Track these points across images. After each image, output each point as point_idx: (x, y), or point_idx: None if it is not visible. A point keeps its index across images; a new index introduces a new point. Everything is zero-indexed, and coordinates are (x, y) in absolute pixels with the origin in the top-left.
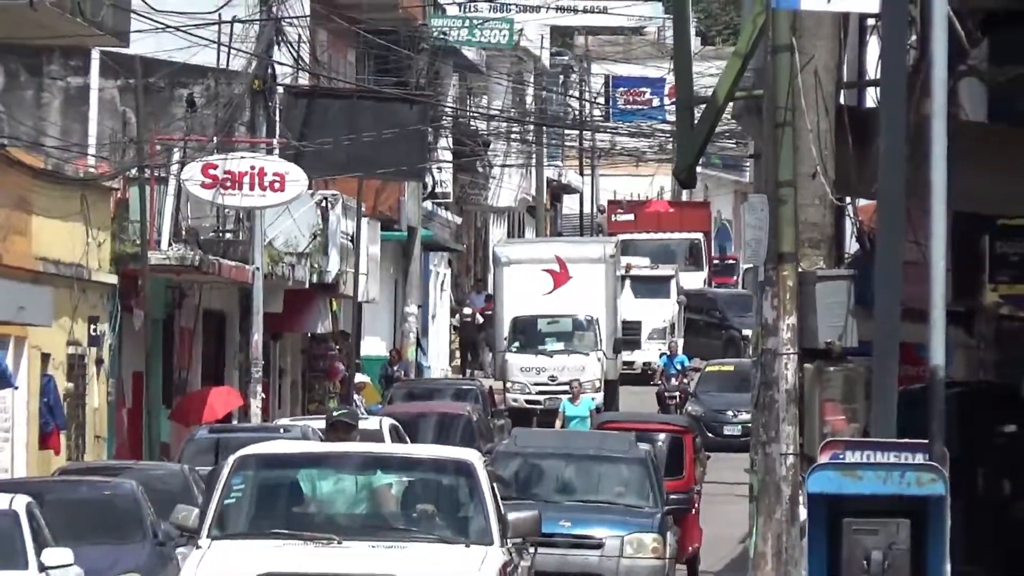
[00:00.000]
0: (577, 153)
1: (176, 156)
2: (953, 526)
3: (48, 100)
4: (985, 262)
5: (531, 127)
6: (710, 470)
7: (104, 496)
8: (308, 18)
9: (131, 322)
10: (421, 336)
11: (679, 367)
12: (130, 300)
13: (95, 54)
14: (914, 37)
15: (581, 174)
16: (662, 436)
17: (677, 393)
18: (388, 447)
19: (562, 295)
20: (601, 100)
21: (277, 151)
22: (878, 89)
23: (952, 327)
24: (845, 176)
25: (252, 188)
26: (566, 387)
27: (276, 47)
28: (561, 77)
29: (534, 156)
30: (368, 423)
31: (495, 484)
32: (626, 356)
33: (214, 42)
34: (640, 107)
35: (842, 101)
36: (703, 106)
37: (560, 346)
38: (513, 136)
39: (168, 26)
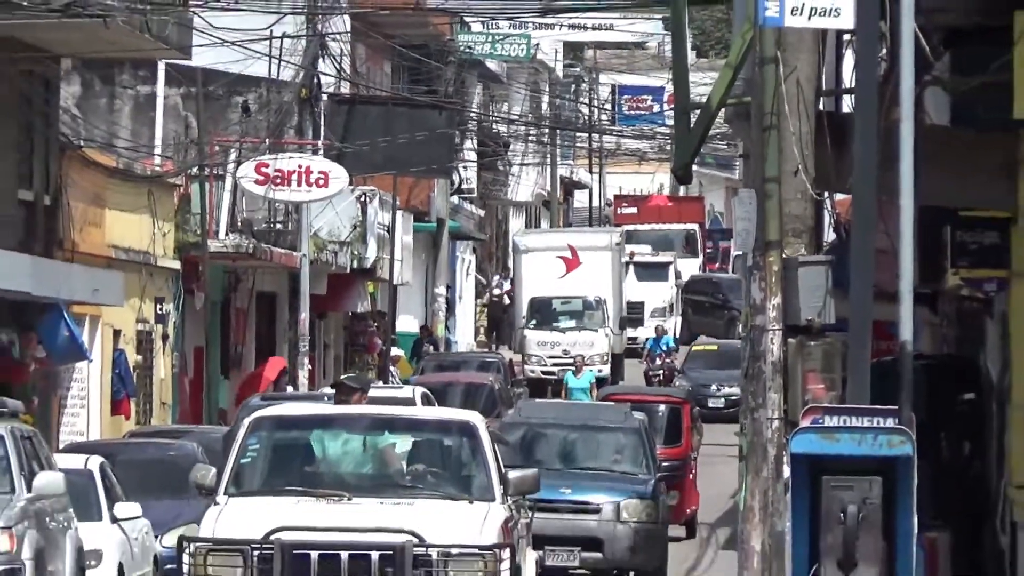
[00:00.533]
0: (587, 153)
1: (232, 156)
2: (920, 483)
3: (119, 107)
4: (947, 249)
5: (546, 130)
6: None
7: (168, 456)
8: (349, 34)
9: (192, 303)
10: (449, 315)
11: (665, 348)
12: (192, 283)
13: (161, 66)
14: (884, 51)
15: (590, 172)
16: (662, 407)
17: (661, 372)
18: (393, 409)
19: (573, 279)
20: (608, 106)
21: (321, 152)
22: (853, 96)
23: (918, 307)
24: (824, 173)
25: (299, 184)
26: (594, 359)
27: (321, 60)
28: (572, 86)
29: (548, 156)
30: (402, 391)
31: (496, 444)
32: (630, 332)
33: (266, 55)
34: (642, 112)
35: (821, 107)
36: (698, 111)
37: (572, 323)
38: (530, 138)
39: (225, 41)
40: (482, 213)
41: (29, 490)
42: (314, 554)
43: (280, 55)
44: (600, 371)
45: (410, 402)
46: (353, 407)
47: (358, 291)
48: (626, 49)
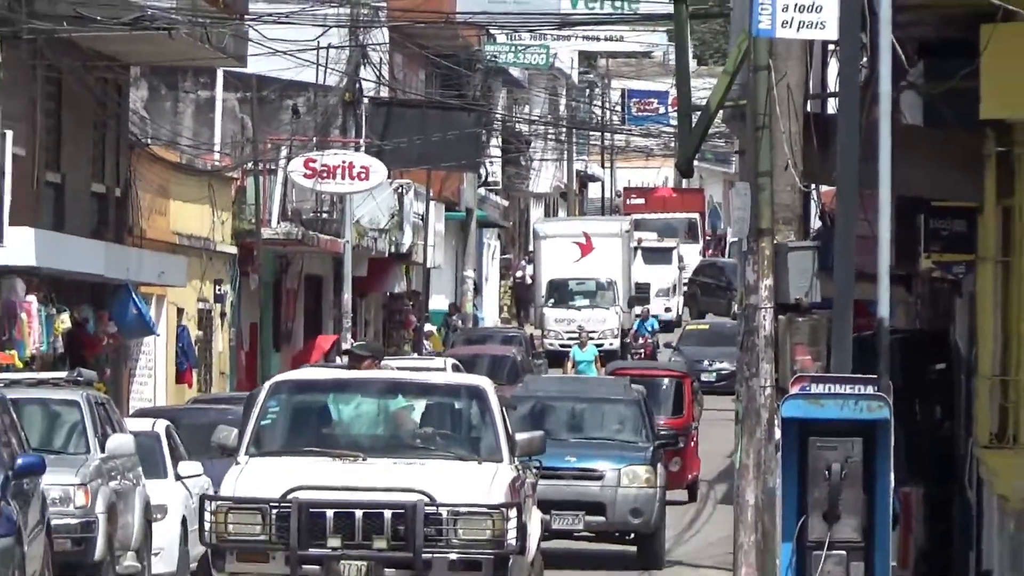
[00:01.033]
0: (599, 150)
1: (283, 153)
2: (896, 443)
3: (182, 109)
4: (921, 236)
5: (563, 130)
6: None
7: (227, 420)
8: (387, 44)
9: (247, 284)
10: (476, 294)
11: (649, 329)
12: (247, 266)
13: (219, 73)
14: (865, 59)
15: (602, 166)
16: (665, 381)
17: (642, 350)
18: (405, 374)
19: (587, 262)
20: (618, 108)
21: (363, 149)
22: (837, 99)
23: (895, 287)
24: (811, 168)
25: (343, 178)
26: (591, 334)
27: (362, 67)
28: (587, 90)
29: (565, 152)
30: (434, 362)
31: (504, 408)
32: (638, 310)
33: (313, 63)
34: (649, 114)
35: (808, 109)
36: (699, 113)
37: (586, 302)
38: (548, 137)
39: (277, 50)
40: (506, 203)
41: (102, 450)
42: (330, 512)
43: (326, 63)
44: (612, 344)
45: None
46: (368, 372)
47: (395, 273)
48: (634, 58)
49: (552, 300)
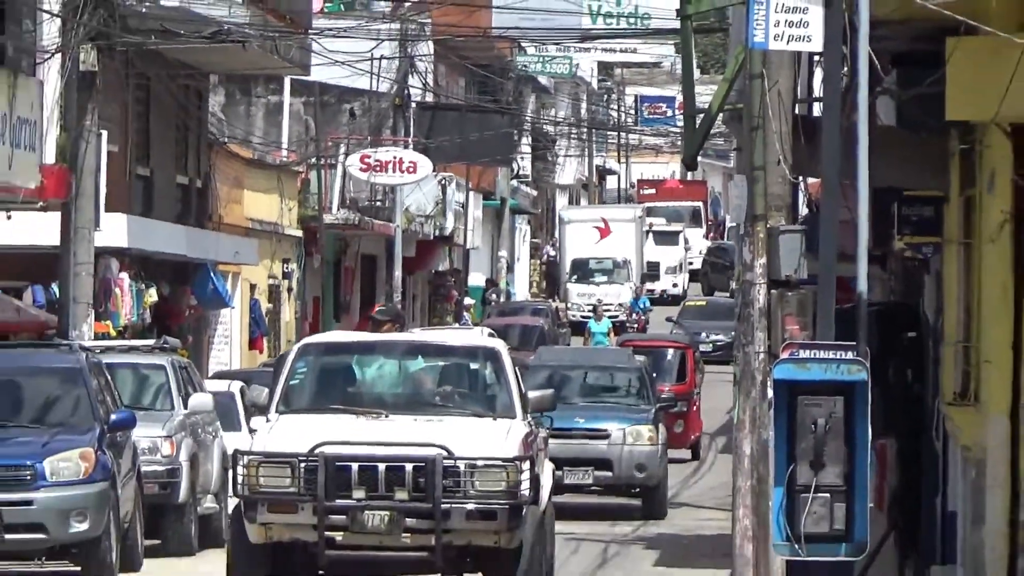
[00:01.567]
0: (616, 147)
1: (342, 150)
2: (872, 402)
3: (254, 112)
4: (894, 221)
5: (584, 129)
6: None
7: None
8: (432, 56)
9: (311, 262)
10: (509, 272)
11: (642, 307)
12: (310, 248)
13: (286, 80)
14: (846, 68)
15: (618, 161)
16: (670, 351)
17: (635, 324)
18: (425, 336)
19: (605, 244)
20: (632, 111)
21: (411, 146)
22: (821, 103)
23: (872, 265)
24: (799, 162)
25: (394, 171)
26: (606, 308)
27: (410, 76)
28: (604, 96)
29: (586, 149)
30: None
31: (517, 368)
32: (649, 285)
33: (368, 72)
34: (659, 116)
35: (796, 112)
36: (702, 115)
37: (604, 279)
38: (571, 136)
39: (336, 60)
40: (535, 193)
41: (185, 407)
42: (354, 466)
43: (379, 72)
44: (626, 317)
45: (497, 342)
46: (390, 334)
47: (439, 254)
48: (646, 67)
49: (575, 277)
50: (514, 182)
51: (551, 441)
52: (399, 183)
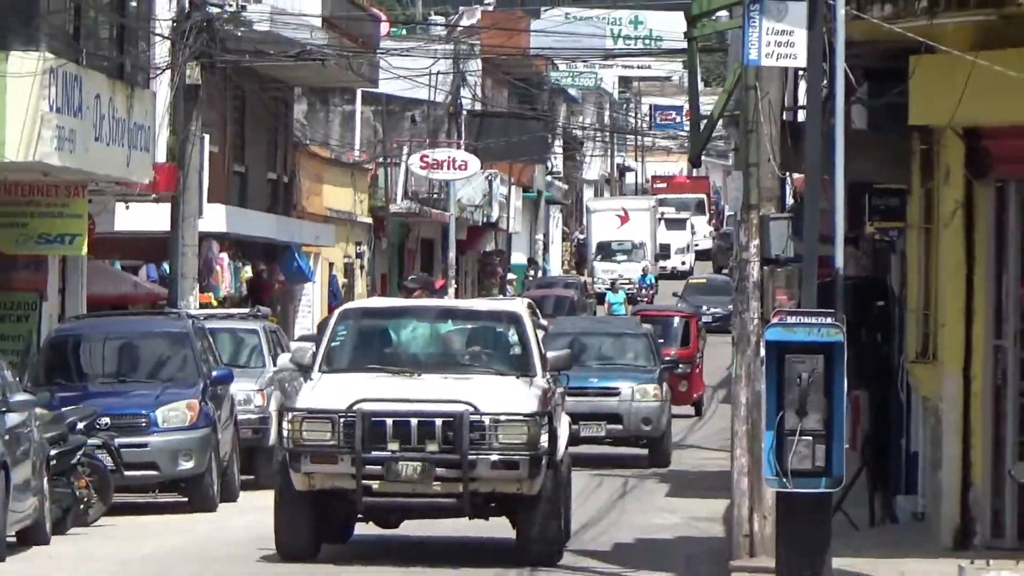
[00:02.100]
0: (633, 148)
1: (405, 150)
2: (848, 360)
3: (331, 118)
4: (866, 209)
5: (607, 133)
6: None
7: None
8: (480, 71)
9: (380, 245)
10: (544, 253)
11: (648, 283)
12: (379, 232)
13: (358, 92)
14: (825, 81)
15: (636, 160)
16: (677, 319)
17: (646, 298)
18: (454, 302)
19: (625, 229)
20: (647, 118)
21: (462, 147)
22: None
23: (847, 246)
24: (786, 160)
25: (448, 169)
26: (623, 282)
27: (462, 88)
28: (624, 105)
29: (608, 150)
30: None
31: (538, 330)
32: (661, 263)
33: (426, 85)
34: (669, 122)
35: (784, 117)
36: (705, 121)
37: (624, 258)
38: (596, 139)
39: (400, 75)
40: (566, 187)
41: (274, 365)
42: (389, 420)
43: (435, 85)
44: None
45: (520, 307)
46: (421, 299)
47: (486, 237)
48: (658, 81)
49: (599, 256)
50: (548, 177)
51: (568, 398)
52: (452, 178)
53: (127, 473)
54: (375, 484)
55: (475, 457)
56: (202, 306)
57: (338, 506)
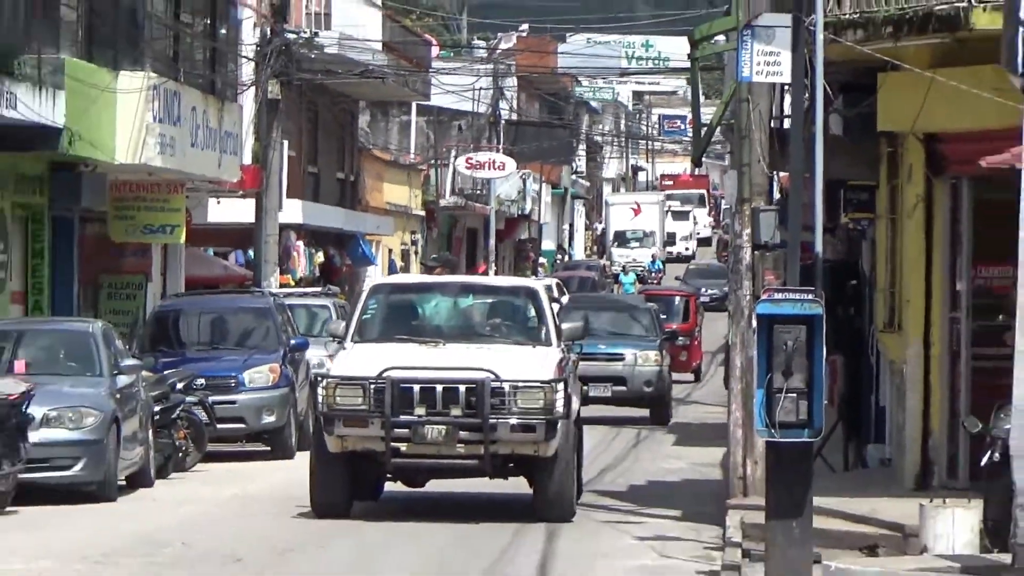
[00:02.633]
0: (645, 151)
1: (452, 154)
2: (826, 330)
3: (390, 127)
4: (841, 202)
5: (622, 138)
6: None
7: None
8: (516, 87)
9: (431, 234)
10: (570, 240)
11: (658, 267)
12: (430, 223)
13: (413, 104)
14: (806, 94)
15: (647, 161)
16: (678, 298)
17: (654, 280)
18: (475, 278)
19: (638, 220)
20: (656, 126)
21: (501, 151)
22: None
23: (825, 235)
24: (774, 161)
25: (489, 169)
26: (638, 264)
27: (500, 101)
28: (637, 115)
29: (624, 152)
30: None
31: (553, 304)
32: (668, 249)
33: (471, 98)
34: (675, 129)
35: (772, 125)
36: (705, 128)
37: (637, 244)
38: (613, 143)
39: (448, 90)
40: (588, 184)
41: None
42: (416, 387)
43: (478, 98)
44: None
45: (550, 287)
46: (443, 276)
47: (521, 227)
48: (666, 95)
49: (616, 243)
50: (573, 176)
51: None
52: (492, 177)
53: (219, 426)
54: (403, 446)
55: (495, 421)
56: (282, 286)
57: (369, 466)
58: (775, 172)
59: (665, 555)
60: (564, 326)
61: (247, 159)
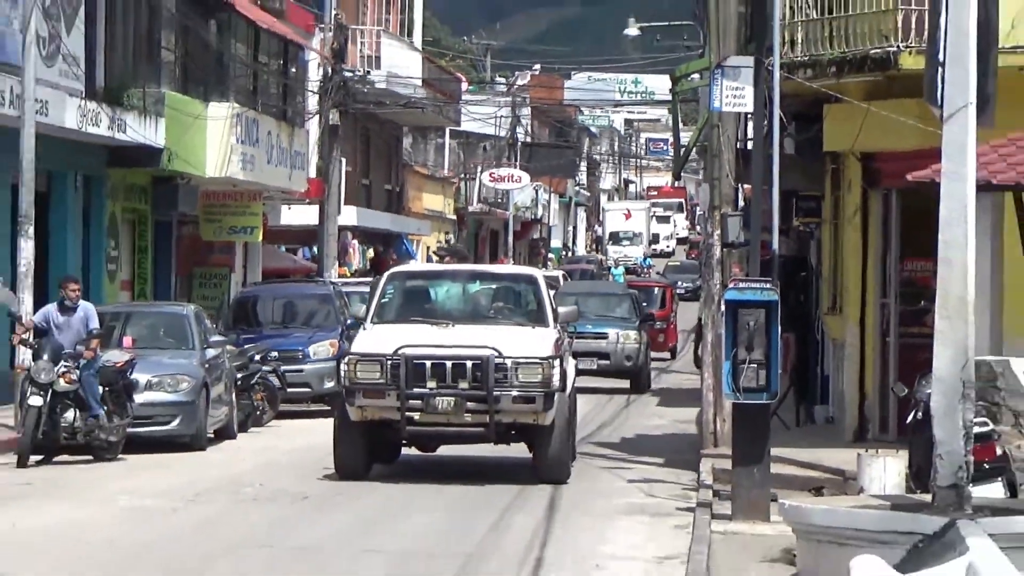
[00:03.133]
0: (634, 167)
1: (479, 169)
2: (781, 313)
3: (429, 147)
4: (794, 209)
5: (616, 157)
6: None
7: None
8: (530, 115)
9: (462, 235)
10: (574, 239)
11: (647, 264)
12: (461, 226)
13: (447, 130)
14: (765, 121)
15: (636, 175)
16: (657, 289)
17: (644, 274)
18: (480, 266)
19: (629, 223)
20: (643, 147)
21: (518, 166)
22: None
23: (781, 236)
24: (739, 175)
25: (508, 182)
26: (628, 259)
27: (518, 126)
28: (628, 138)
29: (617, 168)
30: (553, 271)
31: (551, 290)
32: (653, 246)
33: (492, 125)
34: (659, 150)
35: (738, 146)
36: (683, 148)
37: (628, 243)
38: (609, 161)
39: (475, 117)
40: (588, 193)
41: None
42: (428, 363)
43: (498, 124)
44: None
45: (557, 278)
46: (453, 264)
47: (534, 229)
48: (651, 121)
49: (611, 242)
50: (576, 187)
51: None
52: (511, 188)
53: (289, 390)
54: (416, 415)
55: (499, 393)
56: (340, 277)
57: (386, 434)
58: (740, 184)
59: (651, 494)
60: (560, 310)
61: (312, 173)
